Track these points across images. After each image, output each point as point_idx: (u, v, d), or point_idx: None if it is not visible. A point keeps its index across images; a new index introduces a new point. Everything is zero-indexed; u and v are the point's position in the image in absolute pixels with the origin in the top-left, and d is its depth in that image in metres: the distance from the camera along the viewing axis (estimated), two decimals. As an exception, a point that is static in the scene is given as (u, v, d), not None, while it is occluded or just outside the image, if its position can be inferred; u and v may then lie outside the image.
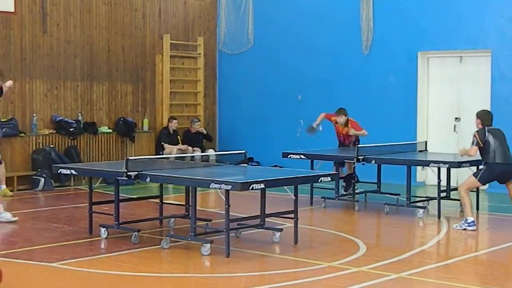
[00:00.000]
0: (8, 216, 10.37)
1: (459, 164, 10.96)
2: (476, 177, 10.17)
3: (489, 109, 13.90)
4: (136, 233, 9.02)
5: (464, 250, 8.89)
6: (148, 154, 15.24)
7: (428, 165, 11.27)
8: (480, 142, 10.02)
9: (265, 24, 16.93)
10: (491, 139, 10.02)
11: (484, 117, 10.28)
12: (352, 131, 12.79)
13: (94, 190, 9.99)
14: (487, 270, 8.19)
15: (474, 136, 10.12)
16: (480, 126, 10.25)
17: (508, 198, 10.44)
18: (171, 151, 15.34)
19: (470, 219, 9.98)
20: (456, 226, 10.08)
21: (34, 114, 14.42)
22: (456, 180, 13.77)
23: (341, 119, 12.84)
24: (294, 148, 13.20)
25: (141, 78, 16.33)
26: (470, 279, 7.48)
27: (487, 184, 13.12)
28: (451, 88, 14.78)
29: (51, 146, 14.50)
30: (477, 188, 11.62)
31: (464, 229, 9.92)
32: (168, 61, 16.50)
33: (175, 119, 16.08)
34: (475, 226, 9.93)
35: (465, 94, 14.59)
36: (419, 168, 14.17)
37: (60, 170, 9.66)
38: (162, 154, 15.21)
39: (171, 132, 15.95)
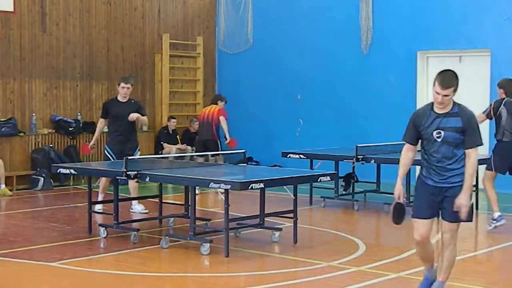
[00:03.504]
0: None
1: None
2: (489, 169, 9.74)
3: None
4: (135, 232, 9.02)
5: (464, 250, 8.88)
6: (147, 153, 15.23)
7: (427, 165, 11.22)
8: (491, 112, 9.40)
9: (265, 23, 16.93)
10: (503, 112, 9.35)
11: (507, 86, 9.50)
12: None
13: (93, 189, 9.99)
14: (487, 269, 8.19)
15: (490, 104, 9.60)
16: (504, 96, 9.55)
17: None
18: (170, 150, 15.34)
19: (496, 214, 9.77)
20: (489, 229, 9.87)
21: (33, 114, 14.42)
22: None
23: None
24: (294, 148, 13.19)
25: (140, 78, 16.32)
26: (469, 279, 7.47)
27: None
28: (450, 87, 14.75)
29: (51, 145, 14.51)
30: (477, 187, 11.61)
31: (495, 227, 9.81)
32: (167, 61, 16.50)
33: (174, 118, 16.10)
34: (504, 220, 9.76)
35: (464, 94, 14.51)
36: (418, 167, 14.14)
37: (59, 169, 9.66)
38: (162, 153, 15.22)
39: (171, 131, 15.96)
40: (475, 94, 14.29)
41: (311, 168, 12.03)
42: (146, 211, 11.08)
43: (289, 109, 16.49)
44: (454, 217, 6.12)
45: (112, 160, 10.88)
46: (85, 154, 11.23)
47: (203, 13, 17.59)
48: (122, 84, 11.10)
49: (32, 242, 9.10)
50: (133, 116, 10.95)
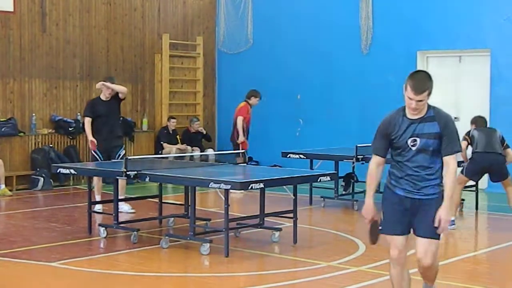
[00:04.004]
0: None
1: (457, 164, 10.94)
2: (462, 173, 10.27)
3: (488, 109, 13.99)
4: (135, 232, 9.01)
5: (463, 250, 8.88)
6: (147, 153, 15.23)
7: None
8: (468, 138, 10.29)
9: (264, 23, 16.92)
10: (475, 133, 10.28)
11: (477, 121, 10.56)
12: None
13: (93, 189, 9.98)
14: (486, 269, 8.19)
15: (464, 136, 10.35)
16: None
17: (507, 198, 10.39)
18: (170, 150, 15.34)
19: (452, 217, 9.89)
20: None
21: (33, 114, 14.42)
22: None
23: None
24: (294, 148, 13.19)
25: (140, 78, 16.32)
26: (469, 279, 7.47)
27: (486, 183, 13.14)
28: (450, 87, 14.76)
29: (50, 145, 14.50)
30: (476, 188, 11.63)
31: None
32: (167, 61, 16.50)
33: (174, 118, 16.09)
34: (454, 225, 9.88)
35: (464, 94, 14.59)
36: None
37: (59, 169, 9.66)
38: (161, 153, 15.22)
39: (170, 131, 15.96)
40: (475, 94, 14.30)
41: (311, 168, 12.03)
42: (133, 210, 11.00)
43: (289, 109, 16.48)
44: (429, 232, 5.47)
45: (100, 160, 10.87)
46: (94, 149, 11.13)
47: (203, 13, 17.59)
48: (108, 84, 11.11)
49: (32, 242, 9.10)
50: (99, 84, 11.14)
